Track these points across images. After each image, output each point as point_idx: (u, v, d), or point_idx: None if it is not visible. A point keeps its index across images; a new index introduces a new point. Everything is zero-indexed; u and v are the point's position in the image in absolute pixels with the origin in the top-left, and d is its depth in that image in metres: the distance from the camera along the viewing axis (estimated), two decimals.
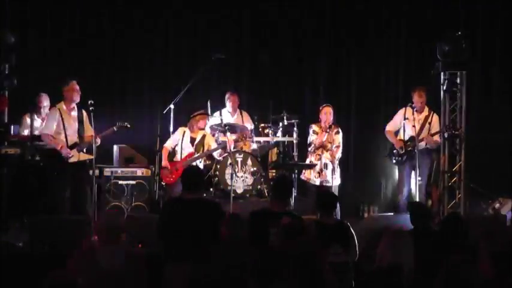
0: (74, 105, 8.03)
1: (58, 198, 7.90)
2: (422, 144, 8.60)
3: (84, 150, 7.97)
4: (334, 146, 8.46)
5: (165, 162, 8.70)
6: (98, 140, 7.89)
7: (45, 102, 8.71)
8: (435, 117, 8.91)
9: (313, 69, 10.70)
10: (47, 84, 9.01)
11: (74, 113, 8.04)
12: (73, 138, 7.96)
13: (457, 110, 9.53)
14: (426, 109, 8.88)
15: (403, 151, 8.70)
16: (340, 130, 8.65)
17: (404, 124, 8.74)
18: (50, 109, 8.30)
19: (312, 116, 10.05)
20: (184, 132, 8.81)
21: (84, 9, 9.98)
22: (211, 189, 8.79)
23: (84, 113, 8.11)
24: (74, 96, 7.98)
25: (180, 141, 8.78)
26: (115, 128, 8.12)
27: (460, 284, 3.81)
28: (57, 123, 7.94)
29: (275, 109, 9.69)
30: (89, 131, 8.02)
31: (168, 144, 8.81)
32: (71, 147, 7.93)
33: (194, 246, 5.15)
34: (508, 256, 4.36)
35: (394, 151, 8.83)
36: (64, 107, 7.99)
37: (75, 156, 7.91)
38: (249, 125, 9.48)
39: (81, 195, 7.91)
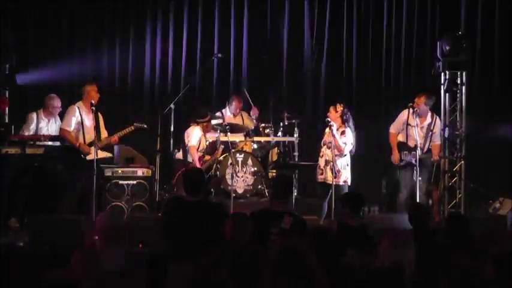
0: (91, 105, 8.13)
1: (68, 195, 8.00)
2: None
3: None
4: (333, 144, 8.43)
5: (198, 164, 8.61)
6: (116, 139, 8.16)
7: (58, 103, 8.70)
8: (437, 123, 8.88)
9: (314, 69, 10.69)
10: (47, 84, 9.01)
11: (91, 114, 8.12)
12: (91, 136, 8.01)
13: (457, 110, 9.53)
14: (429, 115, 8.86)
15: (406, 156, 8.69)
16: (346, 131, 8.53)
17: (407, 130, 8.73)
18: (68, 107, 8.32)
19: (313, 116, 10.08)
20: (201, 134, 8.82)
21: (84, 9, 9.97)
22: (211, 190, 8.79)
23: (100, 115, 8.23)
24: (94, 97, 8.11)
25: (200, 142, 8.77)
26: (133, 128, 8.24)
27: (462, 284, 3.80)
28: (76, 121, 8.03)
29: (275, 109, 9.70)
30: (103, 133, 8.23)
31: (197, 143, 8.75)
32: (89, 145, 7.98)
33: (197, 247, 5.15)
34: (509, 257, 4.35)
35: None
36: (83, 106, 8.06)
37: (92, 154, 7.95)
38: (251, 126, 9.50)
39: (87, 194, 7.98)
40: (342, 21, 10.64)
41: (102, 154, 8.12)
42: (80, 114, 8.08)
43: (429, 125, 8.80)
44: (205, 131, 8.83)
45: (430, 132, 8.78)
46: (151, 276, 4.84)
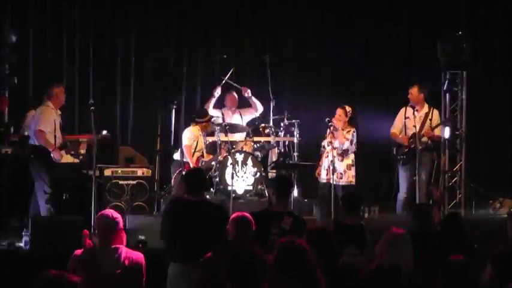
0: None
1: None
2: (424, 140, 8.64)
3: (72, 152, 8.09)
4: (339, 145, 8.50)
5: (193, 163, 8.53)
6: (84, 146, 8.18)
7: None
8: (435, 113, 8.94)
9: (314, 69, 10.70)
10: (47, 84, 8.98)
11: (59, 116, 8.07)
12: (61, 139, 7.98)
13: (457, 110, 9.54)
14: (426, 106, 8.90)
15: (407, 150, 8.69)
16: (351, 131, 8.61)
17: (405, 123, 8.76)
18: (41, 108, 8.10)
19: (313, 116, 10.07)
20: (199, 133, 8.77)
21: (85, 9, 9.96)
22: (211, 190, 8.77)
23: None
24: (62, 99, 8.07)
25: (196, 143, 8.72)
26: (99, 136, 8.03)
27: (460, 285, 3.81)
28: (51, 123, 7.94)
29: (276, 109, 9.70)
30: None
31: (190, 142, 8.69)
32: (60, 148, 7.93)
33: (197, 247, 5.14)
34: (509, 257, 4.35)
35: (399, 151, 8.80)
36: (54, 107, 8.00)
37: (64, 157, 7.97)
38: (256, 113, 9.50)
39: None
40: (342, 20, 10.65)
41: (70, 159, 8.06)
42: (54, 116, 7.97)
43: (426, 114, 8.85)
44: (204, 131, 8.82)
45: (429, 121, 8.79)
46: (151, 276, 4.83)
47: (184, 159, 8.58)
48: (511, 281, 4.06)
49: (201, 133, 8.77)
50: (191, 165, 8.47)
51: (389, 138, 9.03)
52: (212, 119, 9.04)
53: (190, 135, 8.69)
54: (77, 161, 8.13)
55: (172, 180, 8.77)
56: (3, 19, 9.33)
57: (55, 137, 7.90)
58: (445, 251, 5.05)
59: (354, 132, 8.59)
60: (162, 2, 10.30)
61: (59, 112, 8.06)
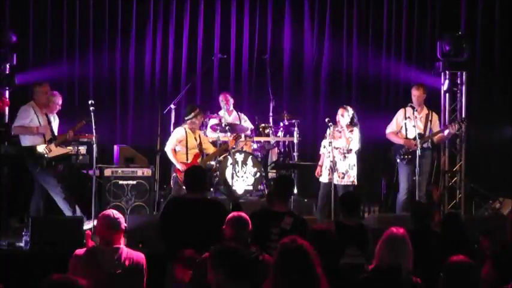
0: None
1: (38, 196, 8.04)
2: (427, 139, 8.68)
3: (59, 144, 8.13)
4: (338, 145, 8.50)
5: (182, 165, 8.43)
6: (71, 135, 8.13)
7: (60, 101, 8.50)
8: (435, 116, 8.92)
9: (314, 69, 10.70)
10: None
11: (44, 114, 8.11)
12: (48, 135, 8.03)
13: (457, 110, 9.55)
14: (425, 108, 8.89)
15: (411, 150, 8.65)
16: (354, 130, 8.61)
17: (406, 123, 8.73)
18: (23, 106, 8.18)
19: (313, 116, 10.09)
20: (186, 131, 8.68)
21: (85, 9, 9.96)
22: (211, 189, 8.77)
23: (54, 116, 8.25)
24: (42, 98, 8.10)
25: (185, 142, 8.65)
26: (84, 122, 8.13)
27: (460, 285, 3.81)
28: (30, 118, 7.99)
29: (276, 109, 9.70)
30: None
31: (173, 145, 8.64)
32: (48, 142, 7.99)
33: (197, 246, 5.14)
34: (509, 257, 4.36)
35: (401, 150, 8.76)
36: (36, 106, 8.06)
37: (53, 152, 7.99)
38: (248, 125, 9.49)
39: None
40: (342, 20, 10.65)
41: (62, 150, 8.11)
42: (36, 114, 8.03)
43: (427, 115, 8.82)
44: (193, 127, 8.68)
45: (429, 123, 8.78)
46: (151, 276, 4.83)
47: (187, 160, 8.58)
48: None
49: (189, 131, 8.65)
50: (179, 167, 8.44)
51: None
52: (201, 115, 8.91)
53: (172, 138, 8.66)
54: (68, 149, 8.21)
55: (171, 182, 8.78)
56: (3, 19, 9.32)
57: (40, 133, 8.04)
58: (445, 251, 5.05)
59: (355, 130, 8.60)
60: (162, 1, 10.30)
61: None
